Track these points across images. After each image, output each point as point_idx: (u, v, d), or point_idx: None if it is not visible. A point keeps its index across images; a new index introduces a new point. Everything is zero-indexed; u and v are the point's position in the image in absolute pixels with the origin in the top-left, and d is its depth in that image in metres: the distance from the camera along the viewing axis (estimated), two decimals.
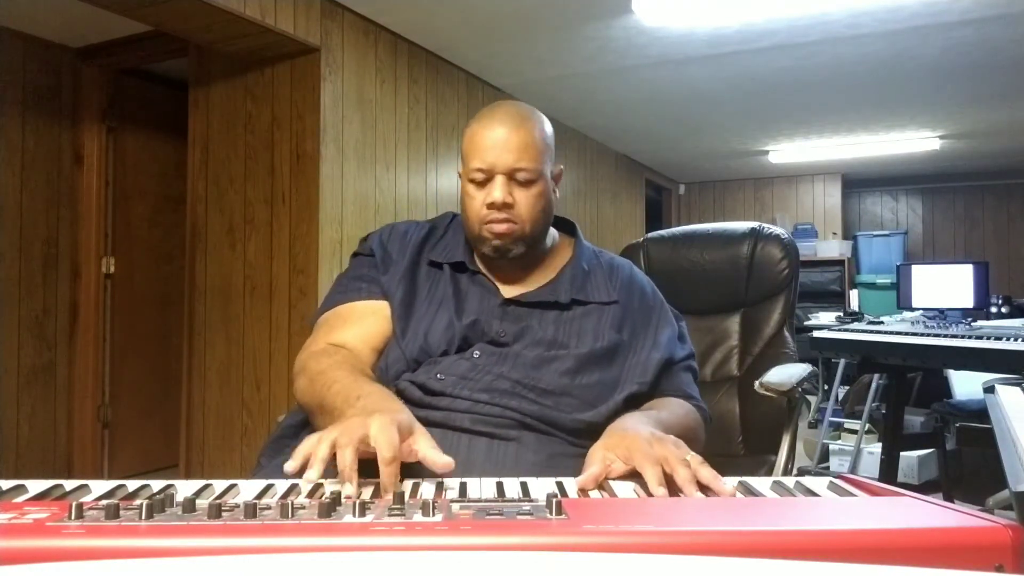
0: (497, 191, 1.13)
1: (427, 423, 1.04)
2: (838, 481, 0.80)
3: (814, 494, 0.77)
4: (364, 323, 1.19)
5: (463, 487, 0.79)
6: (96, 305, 3.66)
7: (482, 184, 1.16)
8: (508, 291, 1.21)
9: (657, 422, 1.03)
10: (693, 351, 1.31)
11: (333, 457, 0.79)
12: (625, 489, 0.83)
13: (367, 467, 0.80)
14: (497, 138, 1.14)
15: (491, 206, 1.14)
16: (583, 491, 0.82)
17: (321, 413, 1.04)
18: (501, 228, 1.15)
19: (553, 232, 1.28)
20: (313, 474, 0.77)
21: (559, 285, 1.21)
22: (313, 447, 0.80)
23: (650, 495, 0.79)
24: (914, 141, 5.73)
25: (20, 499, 0.72)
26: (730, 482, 0.81)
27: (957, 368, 3.19)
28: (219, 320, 3.17)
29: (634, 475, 0.85)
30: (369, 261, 1.25)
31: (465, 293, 1.20)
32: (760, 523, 0.62)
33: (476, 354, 1.12)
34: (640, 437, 0.90)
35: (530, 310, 1.19)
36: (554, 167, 1.22)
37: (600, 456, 0.89)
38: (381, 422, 0.82)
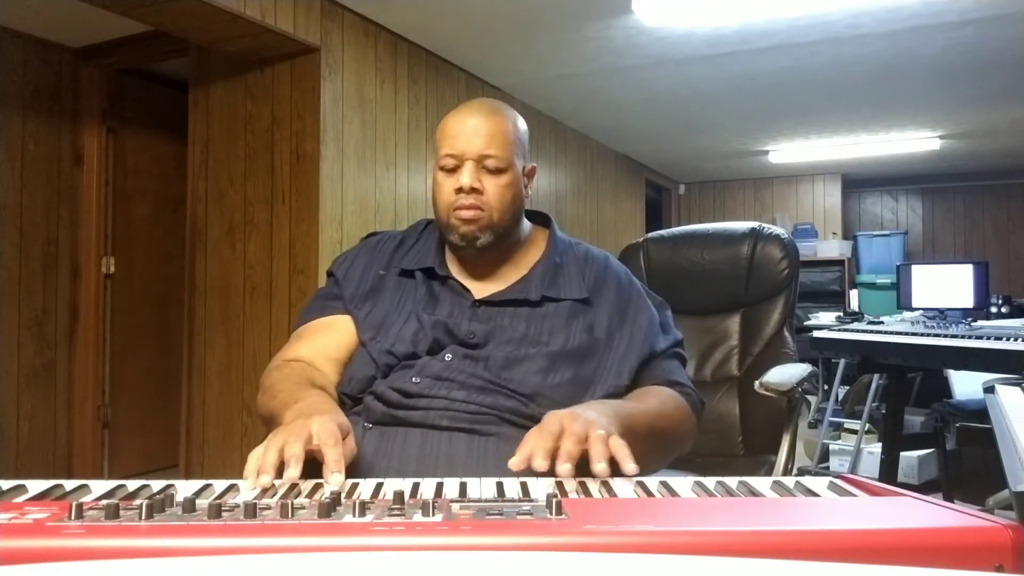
0: (465, 176, 1.15)
1: (406, 424, 1.06)
2: (838, 481, 0.80)
3: (814, 494, 0.77)
4: (319, 337, 1.22)
5: (463, 487, 0.79)
6: (96, 305, 3.66)
7: (452, 171, 1.17)
8: (479, 292, 1.21)
9: (610, 408, 1.01)
10: (680, 338, 1.28)
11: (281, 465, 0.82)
12: (625, 489, 0.83)
13: (312, 469, 0.83)
14: (468, 126, 1.16)
15: (459, 191, 1.15)
16: (515, 468, 0.84)
17: (270, 423, 1.07)
18: (469, 214, 1.15)
19: (526, 226, 1.28)
20: (266, 479, 0.79)
21: (529, 282, 1.21)
22: (261, 457, 0.82)
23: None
24: (914, 141, 5.73)
25: (20, 499, 0.72)
26: (630, 466, 0.83)
27: (957, 368, 3.19)
28: (219, 320, 3.17)
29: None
30: (331, 281, 1.29)
31: (436, 297, 1.20)
32: (760, 523, 0.62)
33: (448, 356, 1.13)
34: (552, 416, 0.91)
35: (501, 308, 1.18)
36: (526, 164, 1.22)
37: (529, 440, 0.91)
38: (321, 420, 0.88)
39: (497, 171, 1.16)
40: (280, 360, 1.20)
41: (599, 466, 0.82)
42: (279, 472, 0.81)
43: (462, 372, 1.10)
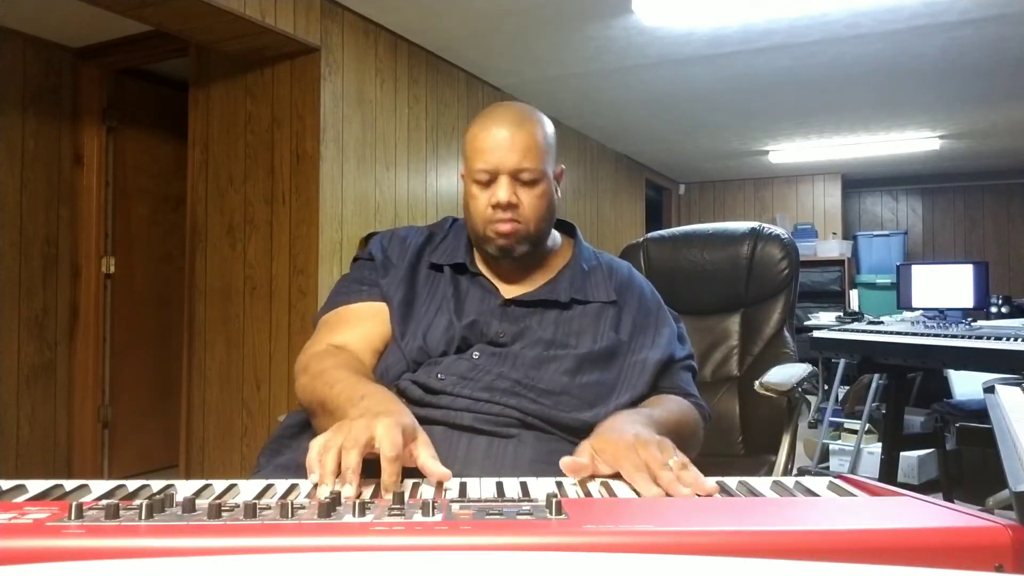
0: (502, 191, 1.14)
1: (428, 421, 1.04)
2: (838, 481, 0.79)
3: (814, 494, 0.77)
4: (364, 325, 1.19)
5: (463, 487, 0.79)
6: (96, 305, 3.66)
7: (486, 185, 1.16)
8: (508, 292, 1.22)
9: (649, 419, 1.03)
10: (692, 352, 1.32)
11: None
12: (625, 489, 0.83)
13: (368, 467, 0.80)
14: (500, 139, 1.15)
15: (496, 206, 1.15)
16: (570, 473, 0.84)
17: (322, 412, 1.04)
18: (506, 228, 1.16)
19: (554, 234, 1.29)
20: (326, 491, 0.76)
21: (559, 285, 1.22)
22: (319, 457, 0.79)
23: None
24: (914, 141, 5.73)
25: (20, 499, 0.72)
26: (712, 481, 0.81)
27: (957, 368, 3.19)
28: (219, 320, 3.17)
29: (619, 476, 0.86)
30: (369, 265, 1.26)
31: (465, 294, 1.21)
32: (760, 523, 0.62)
33: (476, 355, 1.13)
34: (624, 441, 0.89)
35: (530, 310, 1.19)
36: (556, 166, 1.23)
37: (588, 452, 0.90)
38: (386, 424, 0.82)
39: (532, 183, 1.16)
40: (326, 344, 1.17)
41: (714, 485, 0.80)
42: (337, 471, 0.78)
43: (489, 372, 1.10)
